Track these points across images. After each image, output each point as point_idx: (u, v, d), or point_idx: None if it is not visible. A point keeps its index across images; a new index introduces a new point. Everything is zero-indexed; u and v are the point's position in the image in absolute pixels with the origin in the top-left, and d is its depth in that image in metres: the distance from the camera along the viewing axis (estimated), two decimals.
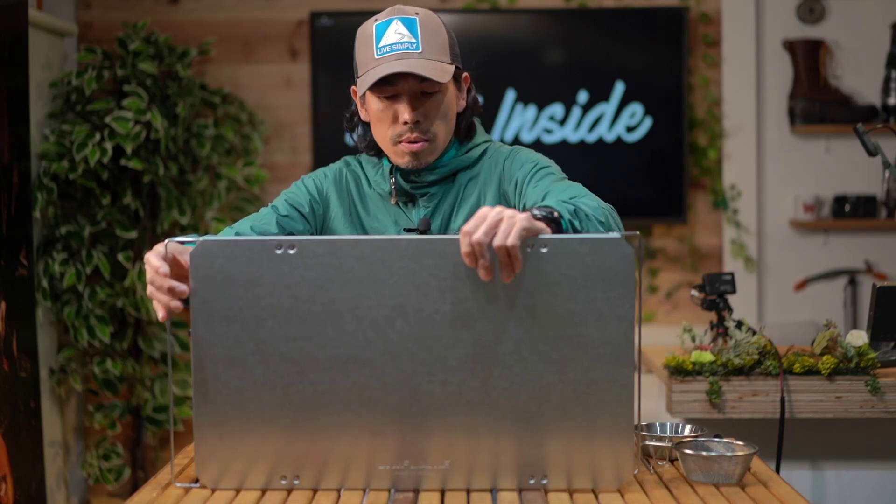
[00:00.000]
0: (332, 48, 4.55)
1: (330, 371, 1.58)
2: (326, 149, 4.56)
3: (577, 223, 1.69)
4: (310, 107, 4.61)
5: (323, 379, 1.58)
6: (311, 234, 2.08)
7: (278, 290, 1.57)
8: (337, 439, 1.59)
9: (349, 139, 4.51)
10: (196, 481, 1.68)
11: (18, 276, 3.51)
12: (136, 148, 4.00)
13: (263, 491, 1.66)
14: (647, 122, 4.58)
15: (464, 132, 2.09)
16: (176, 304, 1.63)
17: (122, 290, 4.05)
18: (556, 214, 1.67)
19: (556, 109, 4.58)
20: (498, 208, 1.54)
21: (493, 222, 1.52)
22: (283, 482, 1.62)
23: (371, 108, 2.03)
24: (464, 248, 1.53)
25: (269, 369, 1.58)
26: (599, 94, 4.58)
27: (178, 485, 1.69)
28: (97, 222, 4.04)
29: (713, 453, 1.71)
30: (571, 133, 4.59)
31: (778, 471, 2.47)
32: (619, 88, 4.58)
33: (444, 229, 2.06)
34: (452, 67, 2.01)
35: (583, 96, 4.58)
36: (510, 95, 4.57)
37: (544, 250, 1.55)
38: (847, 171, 4.63)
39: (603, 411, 1.57)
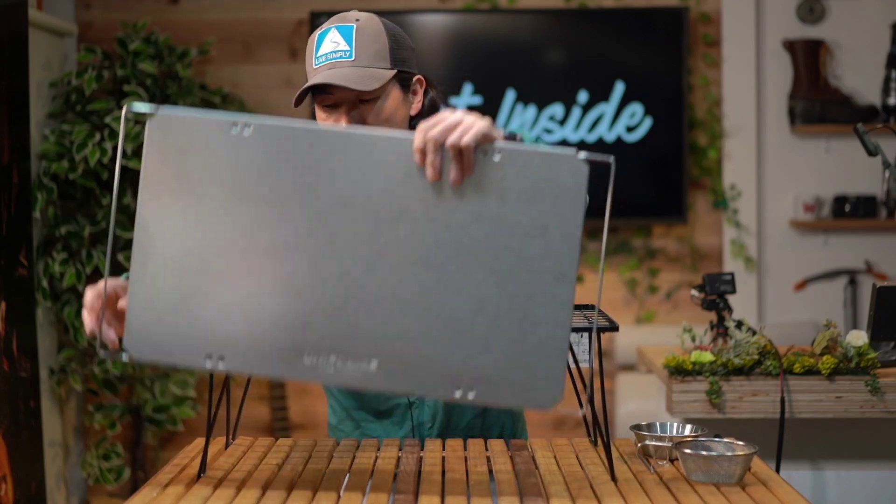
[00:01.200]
0: None
1: (269, 255, 1.54)
2: None
3: None
4: (310, 107, 4.61)
5: (262, 263, 1.54)
6: None
7: (228, 168, 1.54)
8: (268, 325, 1.54)
9: None
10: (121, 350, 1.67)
11: (18, 276, 3.51)
12: (136, 148, 4.00)
13: (264, 491, 1.67)
14: (647, 122, 4.58)
15: None
16: (111, 337, 1.65)
17: None
18: (518, 137, 1.67)
19: (556, 109, 4.58)
20: (460, 112, 1.52)
21: (452, 122, 1.50)
22: (208, 363, 1.57)
23: (319, 118, 2.07)
24: (417, 142, 1.51)
25: (209, 245, 1.55)
26: (599, 94, 4.58)
27: (102, 352, 1.65)
28: (97, 222, 4.04)
29: (713, 453, 1.71)
30: (571, 133, 4.59)
31: (778, 471, 2.47)
32: (619, 88, 4.58)
33: None
34: (389, 73, 1.99)
35: (583, 96, 4.59)
36: (510, 95, 4.57)
37: (497, 158, 1.51)
38: (847, 171, 4.63)
39: (538, 328, 1.50)
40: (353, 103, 2.00)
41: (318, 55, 1.99)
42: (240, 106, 4.41)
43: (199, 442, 1.96)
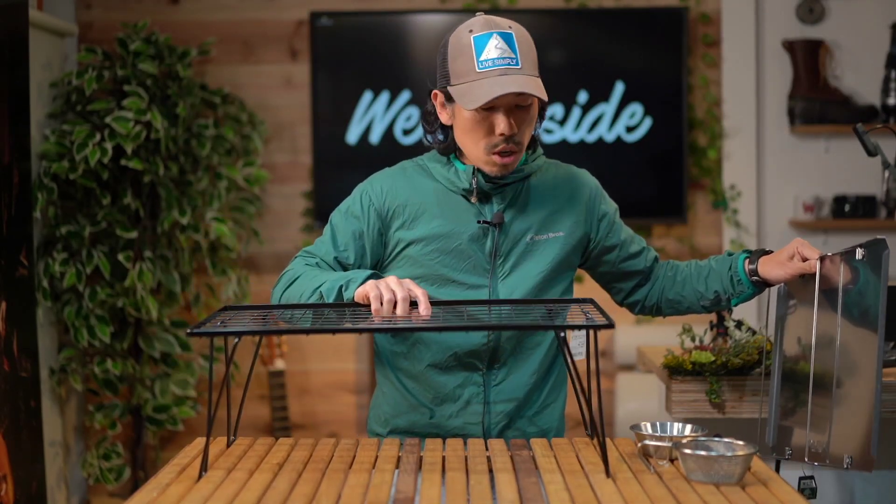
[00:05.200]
0: (332, 48, 4.55)
1: None
2: (326, 149, 4.56)
3: None
4: (310, 107, 4.61)
5: None
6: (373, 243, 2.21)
7: None
8: None
9: (420, 138, 4.51)
10: None
11: (19, 276, 3.51)
12: (136, 148, 4.00)
13: (264, 491, 1.67)
14: (647, 122, 4.58)
15: (532, 141, 2.21)
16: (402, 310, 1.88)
17: (122, 290, 4.06)
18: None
19: (556, 109, 4.58)
20: None
21: None
22: None
23: (463, 116, 2.11)
24: None
25: None
26: (599, 94, 4.58)
27: None
28: (97, 222, 4.04)
29: (713, 453, 1.71)
30: (571, 133, 4.59)
31: (778, 471, 2.47)
32: (619, 88, 4.58)
33: (513, 221, 2.18)
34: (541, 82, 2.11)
35: (583, 96, 4.58)
36: None
37: None
38: (847, 171, 4.63)
39: None
40: (511, 108, 2.08)
41: (483, 59, 2.05)
42: (240, 106, 4.41)
43: (200, 442, 1.96)
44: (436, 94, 2.17)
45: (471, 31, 2.07)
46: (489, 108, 2.07)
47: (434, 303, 2.00)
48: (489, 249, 2.16)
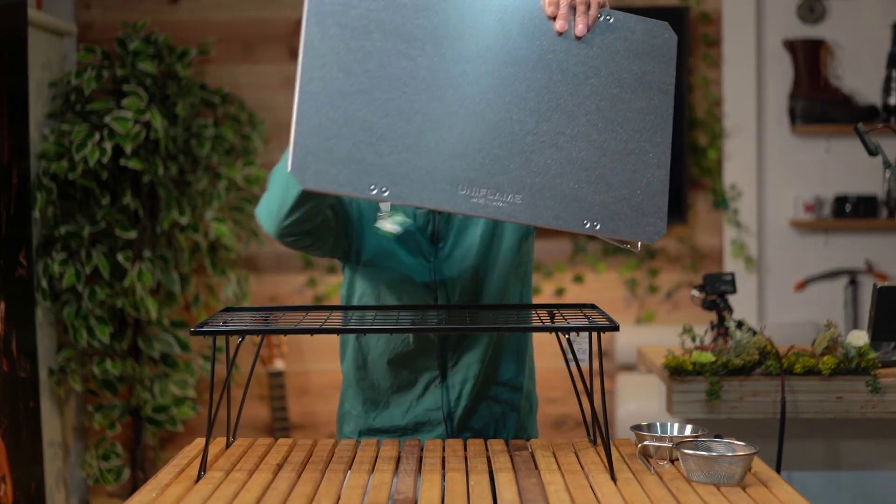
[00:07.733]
0: None
1: (426, 91, 1.71)
2: None
3: None
4: None
5: (419, 97, 1.70)
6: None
7: (392, 8, 1.71)
8: (428, 158, 1.70)
9: None
10: None
11: (18, 276, 3.51)
12: (135, 148, 3.99)
13: (264, 492, 1.66)
14: None
15: None
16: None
17: (122, 290, 4.05)
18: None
19: None
20: None
21: None
22: (373, 191, 1.69)
23: None
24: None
25: (373, 80, 1.70)
26: None
27: None
28: (97, 222, 4.04)
29: (714, 453, 1.71)
30: None
31: (778, 471, 2.47)
32: None
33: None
34: None
35: None
36: None
37: (611, 20, 1.77)
38: (847, 171, 4.62)
39: (646, 170, 1.77)
40: None
41: None
42: (240, 106, 4.40)
43: (199, 442, 1.96)
44: None
45: None
46: None
47: (408, 307, 2.04)
48: (430, 234, 2.16)
